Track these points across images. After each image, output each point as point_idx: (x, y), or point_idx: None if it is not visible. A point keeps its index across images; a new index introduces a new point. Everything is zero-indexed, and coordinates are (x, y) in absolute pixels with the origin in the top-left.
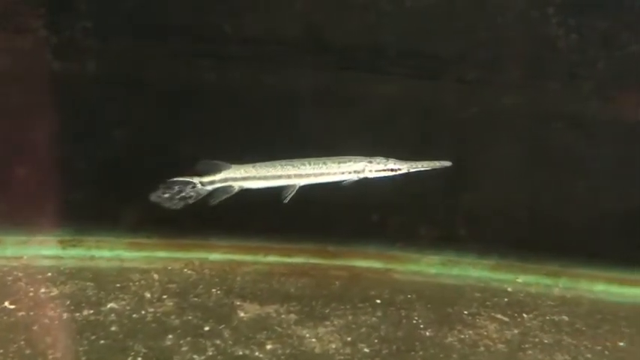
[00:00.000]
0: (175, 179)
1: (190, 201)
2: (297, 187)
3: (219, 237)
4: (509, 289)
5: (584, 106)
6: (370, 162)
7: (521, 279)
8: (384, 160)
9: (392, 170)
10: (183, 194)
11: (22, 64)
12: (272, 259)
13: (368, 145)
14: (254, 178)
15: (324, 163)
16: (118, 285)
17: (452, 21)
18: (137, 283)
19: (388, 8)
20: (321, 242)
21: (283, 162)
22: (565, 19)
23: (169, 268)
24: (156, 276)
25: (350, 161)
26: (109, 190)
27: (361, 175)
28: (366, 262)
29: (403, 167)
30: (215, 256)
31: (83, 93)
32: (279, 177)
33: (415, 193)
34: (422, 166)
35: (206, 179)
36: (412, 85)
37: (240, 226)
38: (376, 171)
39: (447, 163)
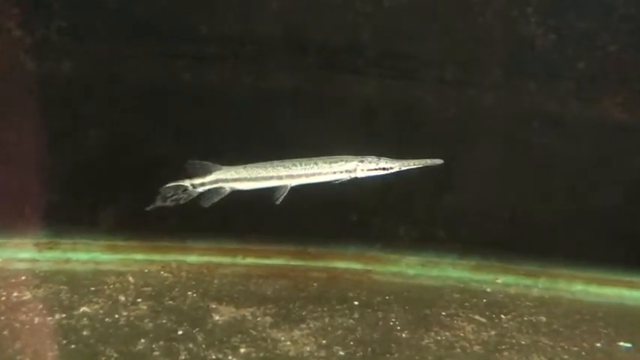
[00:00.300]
0: (168, 185)
1: (181, 202)
2: (289, 188)
3: (197, 239)
4: (489, 290)
5: (563, 106)
6: (362, 161)
7: (500, 280)
8: (376, 159)
9: (384, 169)
10: (175, 197)
11: None
12: (250, 260)
13: (347, 145)
14: (245, 179)
15: (316, 164)
16: (93, 288)
17: (431, 21)
18: (112, 287)
19: (367, 8)
20: (301, 244)
21: (274, 163)
22: (544, 19)
23: (146, 270)
24: (131, 279)
25: (341, 161)
26: (86, 192)
27: (353, 175)
28: (346, 263)
29: (395, 166)
30: (193, 258)
31: (59, 93)
32: (271, 178)
33: (395, 193)
34: (414, 164)
35: (197, 181)
36: (391, 85)
37: (218, 228)
38: (368, 170)
39: (439, 161)
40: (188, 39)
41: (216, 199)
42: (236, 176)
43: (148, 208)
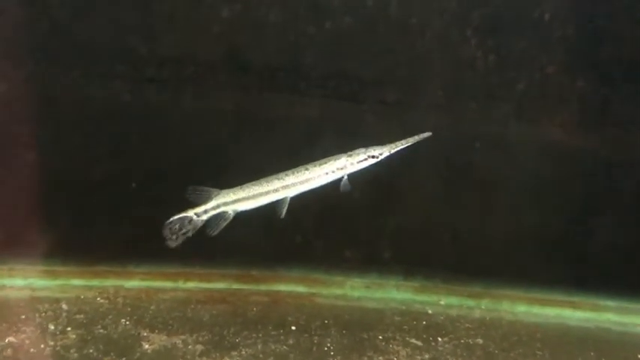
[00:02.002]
0: (173, 218)
1: (190, 234)
2: (289, 199)
3: (139, 263)
4: (430, 312)
5: (504, 127)
6: (350, 155)
7: (444, 301)
8: (363, 150)
9: (373, 157)
10: (182, 230)
11: None
12: (192, 285)
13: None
14: (244, 199)
15: (307, 169)
16: (24, 317)
17: (372, 42)
18: (44, 314)
19: (308, 30)
20: (245, 267)
21: (269, 177)
22: (484, 41)
23: (82, 297)
24: (65, 306)
25: (330, 160)
26: (23, 216)
27: (347, 171)
28: (290, 286)
29: (384, 151)
30: (132, 283)
31: None
32: (267, 193)
33: (340, 215)
34: (402, 144)
35: (199, 209)
36: (333, 106)
37: (159, 251)
38: (358, 162)
39: (427, 134)
40: (127, 60)
41: (222, 225)
42: (235, 198)
43: (167, 244)
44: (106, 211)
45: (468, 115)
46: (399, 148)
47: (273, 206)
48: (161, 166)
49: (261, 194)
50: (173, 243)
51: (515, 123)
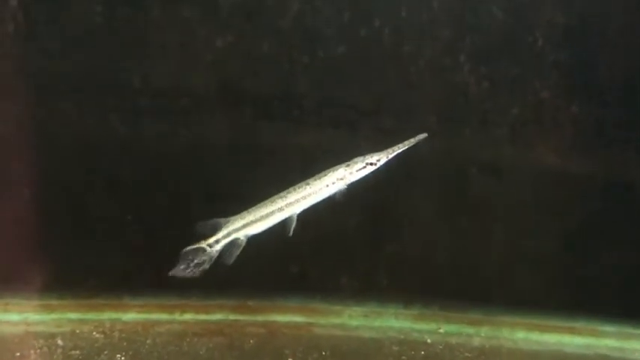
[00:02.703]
0: (187, 249)
1: (206, 266)
2: (295, 217)
3: (134, 295)
4: (429, 341)
5: (499, 152)
6: (348, 165)
7: (443, 329)
8: (361, 158)
9: (372, 164)
10: (197, 261)
11: None
12: (189, 316)
13: None
14: (253, 222)
15: (307, 184)
16: (18, 354)
17: (365, 70)
18: (38, 351)
19: (301, 59)
20: (241, 297)
21: (272, 197)
22: (476, 67)
23: (77, 331)
24: (60, 342)
25: (329, 172)
26: (18, 249)
27: (346, 181)
28: (287, 316)
29: (382, 157)
30: (129, 316)
31: None
32: (273, 213)
33: (336, 243)
34: (400, 147)
35: (211, 240)
36: (329, 134)
37: (156, 283)
38: (357, 171)
39: (423, 135)
40: (121, 92)
41: (237, 252)
42: (244, 222)
43: (170, 273)
44: (101, 244)
45: (463, 140)
46: (396, 153)
47: (272, 232)
48: (156, 198)
49: (267, 215)
50: (189, 275)
51: (510, 148)
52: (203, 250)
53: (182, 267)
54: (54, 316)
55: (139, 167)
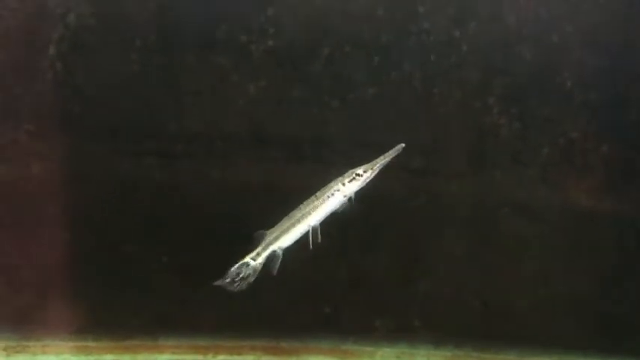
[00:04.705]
0: (233, 268)
1: (251, 279)
2: (311, 229)
3: (168, 336)
4: None
5: (530, 193)
6: (342, 177)
7: None
8: (350, 172)
9: (358, 175)
10: (242, 275)
11: None
12: (221, 357)
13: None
14: (281, 234)
15: (316, 197)
16: None
17: (395, 111)
18: None
19: (331, 102)
20: (274, 337)
21: (294, 210)
22: (506, 108)
23: None
24: None
25: (331, 184)
26: (54, 292)
27: (345, 193)
28: (319, 357)
29: (367, 171)
30: (164, 357)
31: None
32: (294, 225)
33: (367, 283)
34: (382, 161)
35: (253, 254)
36: None
37: (191, 324)
38: (349, 182)
39: (401, 146)
40: (156, 137)
41: (277, 264)
42: (275, 235)
43: (216, 283)
44: (137, 285)
45: (494, 181)
46: (380, 165)
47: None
48: (190, 239)
49: (289, 228)
50: (237, 289)
51: (541, 188)
52: (247, 264)
53: (228, 280)
54: (91, 357)
55: (173, 209)
